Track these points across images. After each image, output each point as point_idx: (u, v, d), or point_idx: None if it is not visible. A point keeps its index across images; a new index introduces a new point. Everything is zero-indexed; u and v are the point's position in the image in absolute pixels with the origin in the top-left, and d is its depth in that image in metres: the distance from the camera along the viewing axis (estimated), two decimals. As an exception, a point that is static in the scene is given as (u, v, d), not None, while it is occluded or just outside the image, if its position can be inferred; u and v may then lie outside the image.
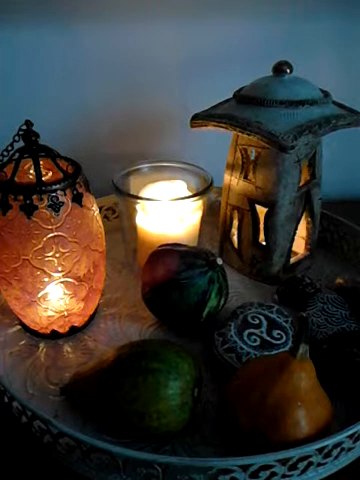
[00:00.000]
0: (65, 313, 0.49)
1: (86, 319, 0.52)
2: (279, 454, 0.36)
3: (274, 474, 0.36)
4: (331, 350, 0.46)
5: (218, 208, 0.63)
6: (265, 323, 0.48)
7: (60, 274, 0.46)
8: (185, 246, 0.51)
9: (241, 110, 0.53)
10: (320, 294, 0.52)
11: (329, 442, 0.36)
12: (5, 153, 0.45)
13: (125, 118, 0.77)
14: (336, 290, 0.54)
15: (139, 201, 0.56)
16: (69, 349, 0.50)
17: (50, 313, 0.49)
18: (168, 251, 0.50)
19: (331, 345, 0.46)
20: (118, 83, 0.75)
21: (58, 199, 0.43)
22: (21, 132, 0.44)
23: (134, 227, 0.58)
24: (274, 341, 0.46)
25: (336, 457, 0.38)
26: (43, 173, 0.44)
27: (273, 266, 0.58)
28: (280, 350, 0.46)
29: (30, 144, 0.44)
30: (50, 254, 0.45)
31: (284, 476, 0.37)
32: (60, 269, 0.46)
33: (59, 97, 0.74)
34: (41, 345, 0.51)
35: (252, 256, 0.59)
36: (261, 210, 0.56)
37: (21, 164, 0.44)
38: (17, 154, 0.44)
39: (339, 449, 0.38)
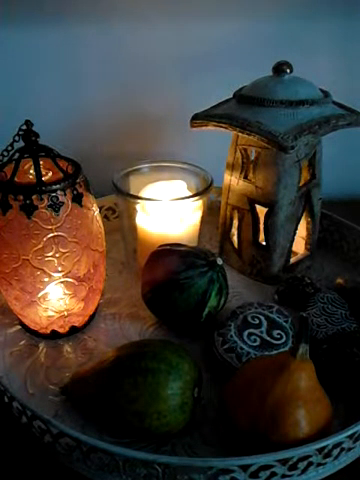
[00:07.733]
0: (65, 313, 0.49)
1: (86, 319, 0.52)
2: (279, 454, 0.36)
3: (274, 474, 0.36)
4: (331, 350, 0.46)
5: (218, 208, 0.63)
6: (265, 323, 0.48)
7: (60, 274, 0.46)
8: (185, 246, 0.51)
9: (241, 110, 0.53)
10: (320, 294, 0.52)
11: (329, 442, 0.37)
12: (5, 153, 0.45)
13: (125, 118, 0.77)
14: (336, 290, 0.54)
15: (139, 201, 0.56)
16: (69, 349, 0.50)
17: (50, 313, 0.49)
18: (168, 251, 0.50)
19: (331, 345, 0.46)
20: (118, 83, 0.75)
21: (58, 199, 0.43)
22: (21, 132, 0.44)
23: (134, 227, 0.58)
24: (274, 341, 0.46)
25: (336, 457, 0.38)
26: (43, 173, 0.44)
27: (273, 266, 0.58)
28: (280, 350, 0.46)
29: (30, 144, 0.44)
30: (50, 254, 0.45)
31: (284, 476, 0.37)
32: (60, 269, 0.46)
33: (59, 97, 0.74)
34: (41, 345, 0.50)
35: (252, 256, 0.59)
36: (261, 210, 0.56)
37: (21, 164, 0.44)
38: (17, 154, 0.44)
39: (339, 449, 0.38)
